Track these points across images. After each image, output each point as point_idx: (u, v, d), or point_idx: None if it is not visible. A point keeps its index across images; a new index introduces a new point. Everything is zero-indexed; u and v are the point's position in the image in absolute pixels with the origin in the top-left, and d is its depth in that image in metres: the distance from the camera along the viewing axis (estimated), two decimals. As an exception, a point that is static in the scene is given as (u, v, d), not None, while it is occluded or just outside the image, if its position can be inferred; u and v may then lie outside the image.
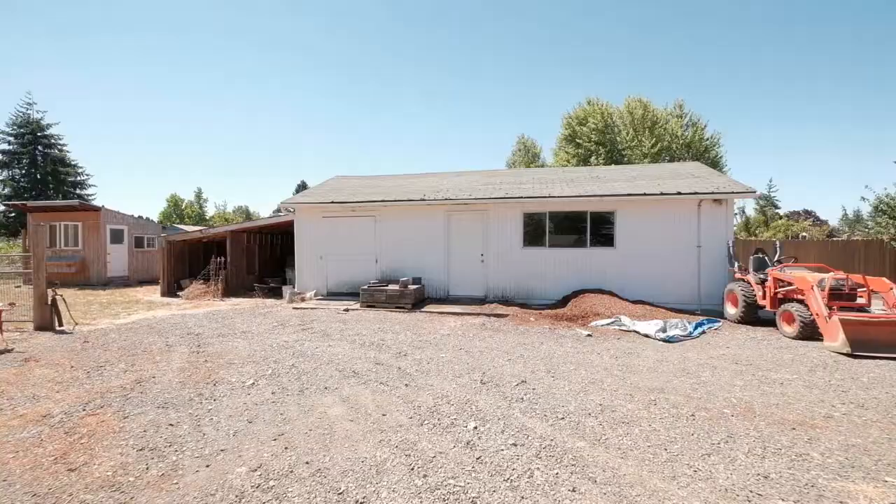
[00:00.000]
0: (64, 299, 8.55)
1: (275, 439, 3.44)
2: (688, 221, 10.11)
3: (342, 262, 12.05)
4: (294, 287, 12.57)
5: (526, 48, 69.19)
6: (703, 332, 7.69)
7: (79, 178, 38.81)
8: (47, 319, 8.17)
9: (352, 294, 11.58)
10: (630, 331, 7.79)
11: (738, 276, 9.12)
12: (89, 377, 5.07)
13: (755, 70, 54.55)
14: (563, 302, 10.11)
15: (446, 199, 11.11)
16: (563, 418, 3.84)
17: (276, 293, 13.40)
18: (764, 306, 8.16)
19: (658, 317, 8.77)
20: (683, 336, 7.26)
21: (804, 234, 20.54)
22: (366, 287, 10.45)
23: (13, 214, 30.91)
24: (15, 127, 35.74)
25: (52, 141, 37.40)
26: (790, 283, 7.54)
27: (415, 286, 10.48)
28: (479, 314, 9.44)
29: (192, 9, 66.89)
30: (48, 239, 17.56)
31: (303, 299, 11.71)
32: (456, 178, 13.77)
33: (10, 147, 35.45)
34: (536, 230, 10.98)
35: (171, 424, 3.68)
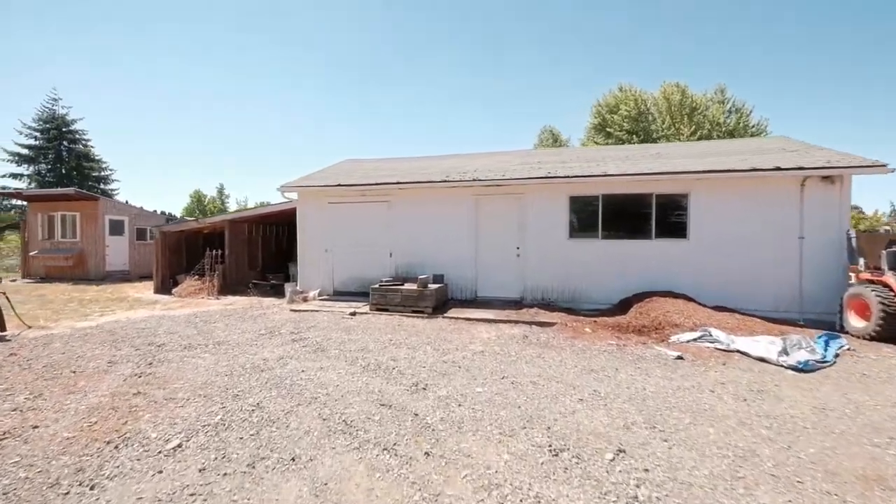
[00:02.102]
0: (8, 298, 7.02)
1: None
2: (786, 206, 7.87)
3: (351, 255, 10.26)
4: (296, 284, 10.87)
5: (526, 48, 66.48)
6: (837, 355, 5.54)
7: (102, 174, 38.63)
8: (-14, 323, 6.64)
9: (362, 293, 9.77)
10: (732, 350, 5.68)
11: (864, 276, 6.86)
12: (-48, 421, 3.36)
13: (754, 70, 51.26)
14: (623, 307, 8.03)
15: (474, 181, 9.14)
16: (750, 570, 1.87)
17: (280, 291, 11.74)
18: (919, 318, 5.91)
19: (757, 329, 6.63)
20: (818, 362, 5.12)
21: (886, 227, 17.70)
22: (377, 286, 8.60)
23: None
24: (41, 122, 35.59)
25: (77, 136, 37.20)
26: (979, 288, 5.29)
27: (436, 285, 8.58)
28: (517, 321, 7.47)
29: (202, 8, 66.40)
30: (47, 230, 16.49)
31: (305, 299, 9.98)
32: (485, 159, 11.77)
33: (37, 142, 35.32)
34: (586, 217, 8.90)
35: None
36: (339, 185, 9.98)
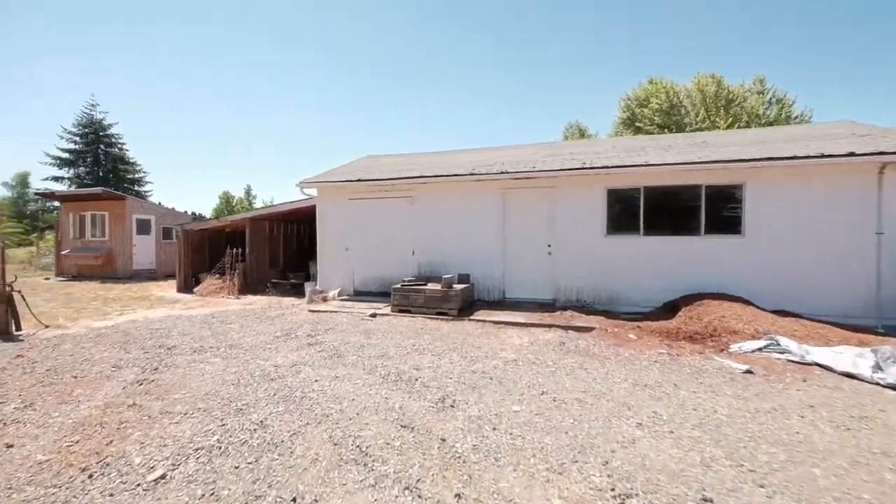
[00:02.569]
0: (23, 296, 6.86)
1: None
2: (861, 197, 6.91)
3: (372, 254, 9.81)
4: (316, 284, 10.51)
5: (527, 47, 65.50)
6: (940, 370, 4.65)
7: (137, 176, 39.97)
8: (2, 322, 6.48)
9: (383, 294, 9.30)
10: (808, 363, 4.88)
11: (961, 277, 5.89)
12: (-71, 435, 3.02)
13: (752, 69, 49.20)
14: (669, 310, 7.25)
15: (502, 173, 8.52)
16: None
17: (300, 290, 11.43)
18: None
19: (832, 337, 5.75)
20: (922, 379, 4.28)
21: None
22: (398, 286, 8.10)
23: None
24: (80, 127, 37.04)
25: (113, 140, 38.56)
26: None
27: (461, 286, 8.01)
28: (551, 325, 6.82)
29: (219, 9, 67.77)
30: (78, 230, 16.82)
31: (324, 299, 9.60)
32: (512, 151, 11.12)
33: (76, 146, 36.78)
34: (625, 212, 8.13)
35: None
36: (360, 180, 9.54)
